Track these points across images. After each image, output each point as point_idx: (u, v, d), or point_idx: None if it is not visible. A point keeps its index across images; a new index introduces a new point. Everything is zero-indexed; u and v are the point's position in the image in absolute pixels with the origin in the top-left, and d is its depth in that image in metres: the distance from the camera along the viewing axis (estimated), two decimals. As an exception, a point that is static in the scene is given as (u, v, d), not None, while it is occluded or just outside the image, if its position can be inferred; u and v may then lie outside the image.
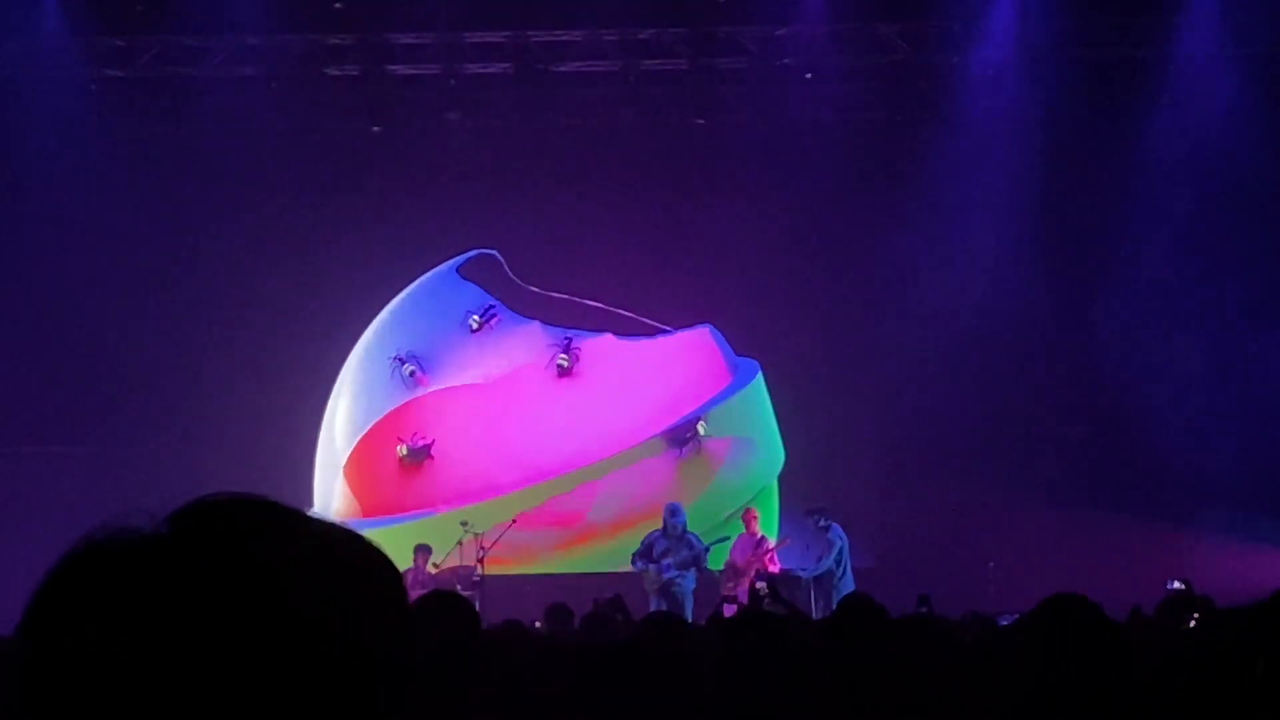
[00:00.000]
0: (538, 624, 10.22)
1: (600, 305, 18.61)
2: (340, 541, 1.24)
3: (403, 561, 15.78)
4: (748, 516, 16.47)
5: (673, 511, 15.99)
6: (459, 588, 15.03)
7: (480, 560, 16.16)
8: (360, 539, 1.26)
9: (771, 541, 16.45)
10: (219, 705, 1.13)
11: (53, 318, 18.14)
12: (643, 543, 15.99)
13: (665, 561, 15.72)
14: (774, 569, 15.97)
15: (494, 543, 16.24)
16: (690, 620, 12.73)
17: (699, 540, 15.98)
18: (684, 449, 18.15)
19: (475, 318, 18.69)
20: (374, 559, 1.25)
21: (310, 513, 1.27)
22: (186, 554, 1.17)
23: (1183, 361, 17.86)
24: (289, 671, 1.15)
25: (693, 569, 15.80)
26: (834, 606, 13.19)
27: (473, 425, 18.14)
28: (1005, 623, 10.19)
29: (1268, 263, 18.18)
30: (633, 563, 15.96)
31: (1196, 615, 9.66)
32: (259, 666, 1.14)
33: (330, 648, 1.17)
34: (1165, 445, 17.73)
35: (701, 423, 18.17)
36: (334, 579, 1.20)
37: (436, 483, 17.94)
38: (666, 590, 15.57)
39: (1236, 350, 18.04)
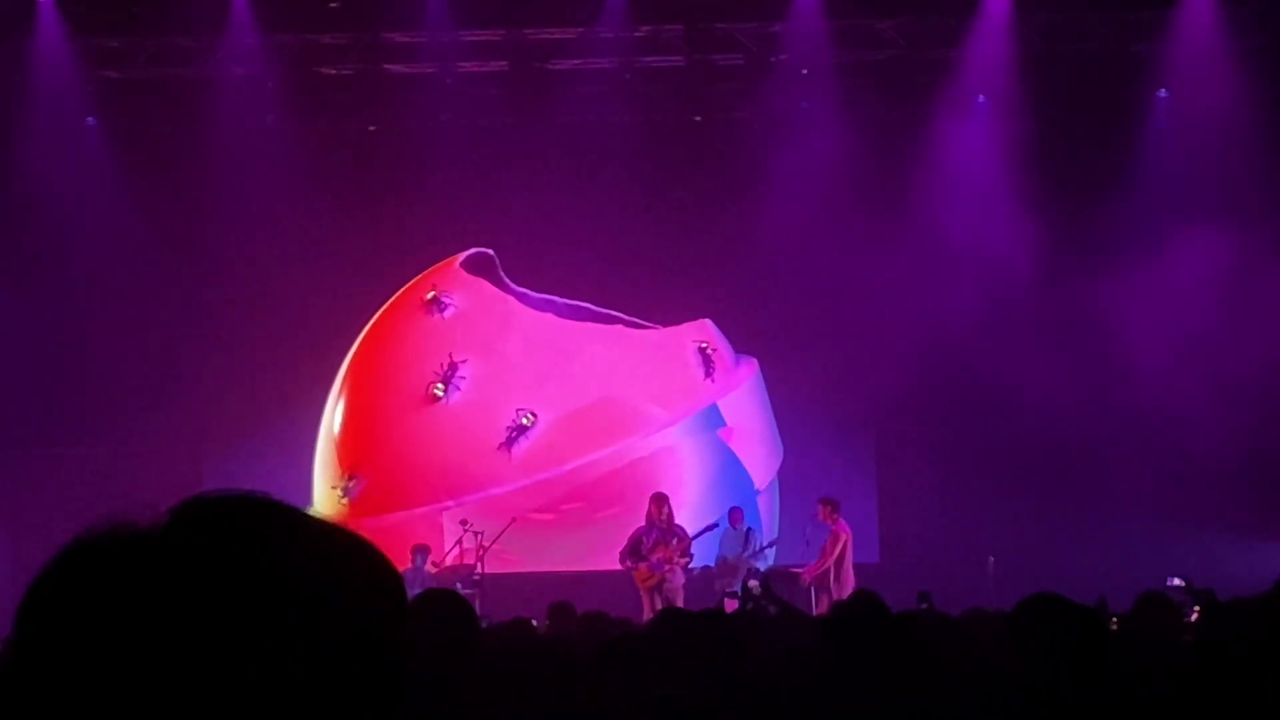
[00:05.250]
0: (535, 622, 10.21)
1: (595, 308, 18.56)
2: (339, 540, 1.23)
3: (401, 561, 15.76)
4: (733, 515, 16.50)
5: (658, 501, 15.94)
6: (459, 586, 15.02)
7: (480, 558, 16.13)
8: (359, 538, 1.25)
9: (758, 537, 16.47)
10: (213, 703, 1.12)
11: (54, 320, 18.13)
12: (629, 540, 15.91)
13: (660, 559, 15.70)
14: (761, 565, 16.03)
15: (494, 540, 16.21)
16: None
17: (685, 531, 15.95)
18: (682, 446, 18.11)
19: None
20: (373, 558, 1.24)
21: (310, 511, 1.26)
22: (183, 550, 1.17)
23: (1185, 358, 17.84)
24: (284, 669, 1.14)
25: (681, 562, 15.75)
26: (834, 602, 13.22)
27: (472, 422, 18.07)
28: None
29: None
30: (621, 562, 15.91)
31: (1197, 608, 9.66)
32: (254, 664, 1.13)
33: (327, 646, 1.16)
34: (1166, 441, 17.73)
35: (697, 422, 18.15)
36: (332, 577, 1.20)
37: (435, 481, 17.89)
38: (658, 587, 15.55)
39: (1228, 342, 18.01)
